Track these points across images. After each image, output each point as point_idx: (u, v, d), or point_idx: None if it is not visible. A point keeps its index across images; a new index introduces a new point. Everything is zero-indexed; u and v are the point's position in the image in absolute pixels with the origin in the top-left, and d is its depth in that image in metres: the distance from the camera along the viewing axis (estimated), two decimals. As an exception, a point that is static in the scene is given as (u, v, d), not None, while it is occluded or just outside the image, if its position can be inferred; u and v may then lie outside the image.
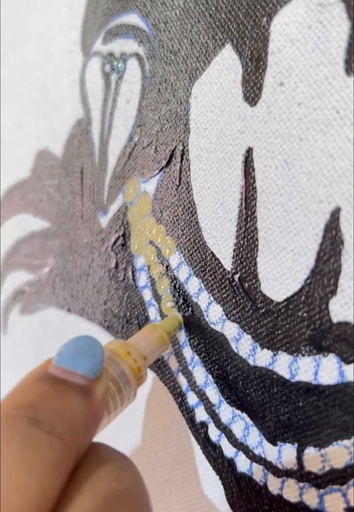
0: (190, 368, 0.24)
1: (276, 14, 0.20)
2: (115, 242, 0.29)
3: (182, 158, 0.24)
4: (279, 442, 0.20)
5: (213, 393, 0.23)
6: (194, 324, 0.24)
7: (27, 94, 0.38)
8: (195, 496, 0.24)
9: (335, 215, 0.18)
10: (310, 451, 0.19)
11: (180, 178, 0.24)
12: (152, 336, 0.23)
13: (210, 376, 0.23)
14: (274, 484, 0.20)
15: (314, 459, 0.19)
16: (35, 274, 0.36)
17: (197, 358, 0.24)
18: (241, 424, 0.22)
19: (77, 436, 0.16)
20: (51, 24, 0.35)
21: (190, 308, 0.24)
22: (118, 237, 0.28)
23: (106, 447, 0.17)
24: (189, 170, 0.24)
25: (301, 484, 0.19)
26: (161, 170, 0.25)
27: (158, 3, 0.26)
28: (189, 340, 0.24)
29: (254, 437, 0.21)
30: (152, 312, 0.26)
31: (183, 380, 0.25)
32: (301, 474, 0.19)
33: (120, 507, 0.15)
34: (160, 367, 0.26)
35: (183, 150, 0.24)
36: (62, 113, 0.34)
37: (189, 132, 0.24)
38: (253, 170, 0.21)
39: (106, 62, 0.29)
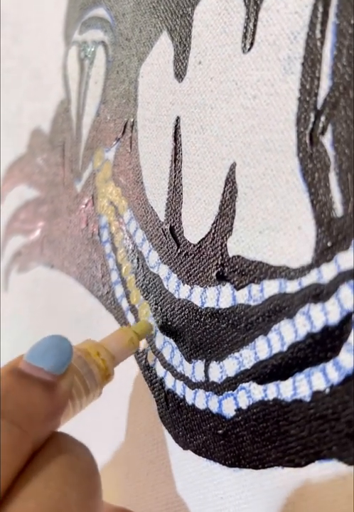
0: (137, 306, 0.29)
1: (198, 4, 0.24)
2: (86, 204, 0.33)
3: (132, 129, 0.28)
4: (193, 360, 0.24)
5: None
6: (140, 273, 0.28)
7: (26, 80, 0.43)
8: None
9: (232, 169, 0.22)
10: (213, 365, 0.23)
11: (130, 146, 0.29)
12: (123, 339, 0.24)
13: (150, 312, 0.27)
14: (189, 396, 0.24)
15: (215, 371, 0.23)
16: (28, 237, 0.41)
17: (141, 297, 0.28)
18: (169, 348, 0.26)
19: (36, 425, 0.18)
20: (44, 19, 0.40)
21: (136, 256, 0.28)
22: (88, 201, 0.33)
23: (67, 436, 0.19)
24: (137, 138, 0.28)
25: (207, 393, 0.23)
26: (118, 140, 0.30)
27: (118, -2, 0.30)
28: (137, 282, 0.28)
29: (177, 358, 0.25)
30: (111, 263, 0.31)
31: (131, 318, 0.29)
32: (207, 385, 0.23)
33: (70, 490, 0.17)
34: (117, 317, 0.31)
35: (133, 122, 0.28)
36: (51, 95, 0.38)
37: (137, 106, 0.28)
38: (180, 135, 0.25)
39: (81, 50, 0.34)
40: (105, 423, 0.31)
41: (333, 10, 0.18)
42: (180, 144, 0.25)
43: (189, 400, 0.24)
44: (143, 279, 0.28)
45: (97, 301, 0.32)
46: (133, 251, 0.28)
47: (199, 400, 0.24)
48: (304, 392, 0.19)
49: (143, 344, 0.28)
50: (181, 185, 0.25)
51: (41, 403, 0.18)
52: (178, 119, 0.25)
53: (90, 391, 0.22)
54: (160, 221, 0.26)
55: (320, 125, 0.18)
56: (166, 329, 0.26)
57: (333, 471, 0.18)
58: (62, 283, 0.36)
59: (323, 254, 0.18)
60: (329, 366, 0.18)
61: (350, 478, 0.17)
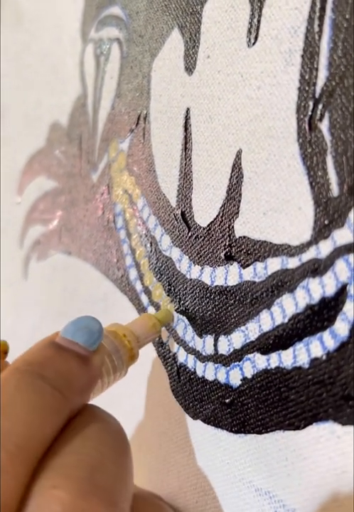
0: (150, 287, 0.30)
1: (206, 2, 0.26)
2: (102, 194, 0.35)
3: (145, 121, 0.30)
4: (203, 335, 0.26)
5: (166, 303, 0.29)
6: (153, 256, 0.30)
7: (45, 75, 0.45)
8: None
9: (238, 156, 0.24)
10: (222, 338, 0.25)
11: (143, 137, 0.30)
12: (147, 324, 0.26)
13: (163, 292, 0.29)
14: (199, 368, 0.26)
15: (223, 344, 0.25)
16: (47, 227, 0.43)
17: (154, 279, 0.30)
18: (182, 325, 0.28)
19: (74, 393, 0.19)
20: (61, 16, 0.42)
21: (149, 241, 0.30)
22: (104, 190, 0.35)
23: (98, 407, 0.20)
24: (150, 129, 0.30)
25: (216, 365, 0.25)
26: (131, 131, 0.31)
27: (132, -4, 0.32)
28: (150, 265, 0.30)
29: (189, 334, 0.27)
30: (125, 248, 0.32)
31: (145, 299, 0.31)
32: (216, 357, 0.25)
33: (105, 449, 0.18)
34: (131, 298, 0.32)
35: (146, 114, 0.30)
36: (68, 90, 0.40)
37: (150, 99, 0.30)
38: (190, 125, 0.27)
39: (97, 47, 0.36)
40: (119, 398, 0.33)
41: (329, 5, 0.20)
42: (190, 134, 0.27)
43: (199, 373, 0.26)
44: (156, 262, 0.29)
45: (111, 284, 0.34)
46: (146, 236, 0.30)
47: (208, 372, 0.25)
48: (303, 360, 0.20)
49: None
50: (191, 172, 0.27)
51: (78, 373, 0.20)
52: (188, 110, 0.27)
53: (117, 370, 0.23)
54: (172, 207, 0.28)
55: (318, 112, 0.20)
56: (180, 308, 0.28)
57: (328, 432, 0.19)
58: (79, 269, 0.38)
59: (321, 231, 0.20)
60: (326, 335, 0.19)
61: (344, 436, 0.19)
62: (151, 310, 0.30)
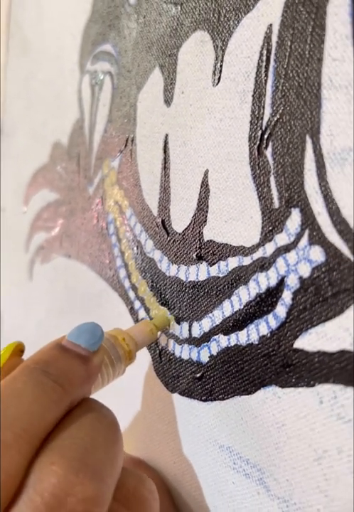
0: (136, 284, 0.35)
1: (181, 47, 0.31)
2: (97, 204, 0.39)
3: (132, 143, 0.35)
4: (180, 322, 0.30)
5: (150, 297, 0.33)
6: (138, 258, 0.34)
7: (48, 99, 0.49)
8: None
9: (206, 175, 0.28)
10: (194, 324, 0.29)
11: (131, 157, 0.35)
12: (144, 329, 0.29)
13: (147, 288, 0.34)
14: (177, 350, 0.31)
15: (196, 329, 0.29)
16: (50, 233, 0.47)
17: (140, 277, 0.34)
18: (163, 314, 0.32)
19: (74, 387, 0.21)
20: (62, 49, 0.46)
21: (135, 244, 0.35)
22: (98, 201, 0.39)
23: (95, 400, 0.22)
24: (136, 151, 0.34)
25: (190, 346, 0.30)
26: (121, 152, 0.36)
27: (122, 38, 0.37)
28: (136, 265, 0.35)
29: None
30: (116, 251, 0.37)
31: (132, 294, 0.35)
32: (190, 340, 0.30)
33: (98, 436, 0.20)
34: (121, 295, 0.37)
35: (132, 137, 0.35)
36: (68, 114, 0.45)
37: (136, 125, 0.34)
38: (168, 149, 0.31)
39: (92, 77, 0.40)
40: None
41: (272, 56, 0.24)
42: (168, 156, 0.31)
43: (177, 353, 0.31)
44: (142, 263, 0.34)
45: (105, 283, 0.38)
46: (133, 240, 0.35)
47: (184, 352, 0.30)
48: (254, 338, 0.25)
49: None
50: (169, 187, 0.31)
51: (78, 370, 0.22)
52: (166, 136, 0.32)
53: (116, 368, 0.26)
54: (154, 216, 0.33)
55: (264, 141, 0.25)
56: (161, 301, 0.32)
57: (272, 394, 0.24)
58: (77, 270, 0.42)
59: (267, 236, 0.24)
60: (270, 317, 0.24)
61: (283, 397, 0.23)
62: (137, 304, 0.34)
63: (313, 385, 0.22)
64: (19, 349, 0.26)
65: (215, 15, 0.28)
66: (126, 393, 0.37)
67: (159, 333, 0.31)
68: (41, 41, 0.51)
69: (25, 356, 0.25)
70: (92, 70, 0.41)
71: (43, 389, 0.20)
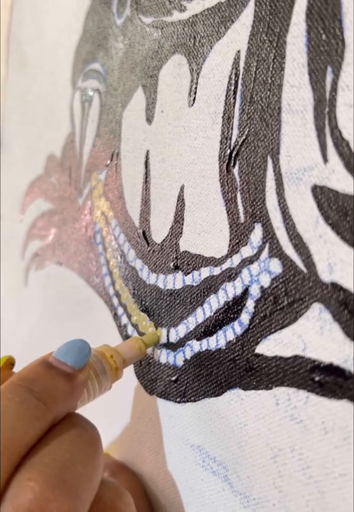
0: (120, 292, 0.36)
1: (161, 69, 0.32)
2: (85, 215, 0.41)
3: (117, 158, 0.36)
4: (159, 327, 0.32)
5: (132, 304, 0.35)
6: (122, 267, 0.36)
7: (43, 113, 0.51)
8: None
9: (182, 189, 0.30)
10: (172, 330, 0.31)
11: (116, 170, 0.37)
12: (133, 347, 0.29)
13: (130, 295, 0.35)
14: (156, 354, 0.32)
15: (173, 334, 0.30)
16: (44, 242, 0.49)
17: (123, 284, 0.36)
18: (143, 321, 0.34)
19: (57, 404, 0.22)
20: (57, 66, 0.48)
21: (119, 253, 0.36)
22: (87, 212, 0.41)
23: (79, 416, 0.23)
24: (120, 165, 0.36)
25: (167, 351, 0.31)
26: (107, 166, 0.38)
27: (109, 57, 0.38)
28: (120, 273, 0.36)
29: (150, 328, 0.33)
30: (102, 259, 0.38)
31: (115, 301, 0.37)
32: (167, 345, 0.31)
33: (77, 451, 0.21)
34: (106, 301, 0.38)
35: (118, 152, 0.36)
36: (61, 128, 0.46)
37: (121, 141, 0.36)
38: (149, 164, 0.33)
39: (83, 94, 0.42)
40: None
41: (240, 81, 0.26)
42: (149, 171, 0.33)
43: (156, 358, 0.32)
44: (125, 271, 0.36)
45: (92, 289, 0.40)
46: (117, 249, 0.36)
47: (162, 356, 0.31)
48: (222, 343, 0.26)
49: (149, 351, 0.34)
50: (150, 200, 0.33)
51: (63, 388, 0.23)
52: (148, 152, 0.33)
53: (103, 384, 0.27)
54: (136, 227, 0.34)
55: (232, 160, 0.26)
56: (142, 307, 0.34)
57: (236, 396, 0.25)
58: (67, 277, 0.44)
59: (234, 248, 0.26)
60: (236, 324, 0.25)
61: (246, 399, 0.25)
62: (120, 310, 0.36)
63: (270, 388, 0.23)
64: (10, 363, 0.27)
65: (191, 40, 0.29)
66: (110, 395, 0.38)
67: (148, 349, 0.32)
68: (38, 57, 0.53)
69: (18, 366, 0.26)
70: (83, 87, 0.42)
71: (26, 406, 0.21)
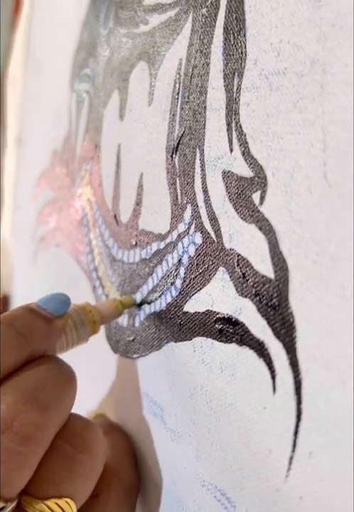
0: (97, 267, 0.41)
1: (131, 73, 0.37)
2: (77, 201, 0.46)
3: (99, 150, 0.41)
4: (123, 295, 0.36)
5: (105, 277, 0.40)
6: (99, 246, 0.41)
7: (51, 114, 0.57)
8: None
9: (141, 177, 0.34)
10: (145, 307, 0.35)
11: (98, 162, 0.41)
12: (111, 305, 0.32)
13: (105, 270, 0.40)
14: (121, 318, 0.37)
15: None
16: (48, 226, 0.54)
17: (100, 260, 0.41)
18: (113, 289, 0.38)
19: (35, 340, 0.24)
20: (62, 71, 0.53)
21: (99, 234, 0.41)
22: (78, 199, 0.46)
23: (57, 356, 0.25)
24: (101, 157, 0.41)
25: (128, 314, 0.36)
26: (92, 158, 0.43)
27: (97, 64, 0.43)
28: (98, 251, 0.41)
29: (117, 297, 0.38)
30: (86, 240, 0.43)
31: (94, 275, 0.41)
32: (128, 311, 0.36)
33: (50, 379, 0.23)
34: (88, 276, 0.43)
35: (99, 146, 0.41)
36: (63, 126, 0.52)
37: (101, 136, 0.41)
38: (120, 155, 0.38)
39: (78, 96, 0.47)
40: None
41: (181, 84, 0.30)
42: (120, 161, 0.38)
43: (119, 321, 0.37)
44: (101, 248, 0.40)
45: (79, 267, 0.45)
46: (98, 230, 0.41)
47: (124, 320, 0.36)
48: (163, 305, 0.31)
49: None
50: (120, 187, 0.37)
51: (41, 327, 0.25)
52: (119, 145, 0.38)
53: (80, 335, 0.29)
54: (109, 210, 0.39)
55: (174, 151, 0.30)
56: (115, 283, 0.38)
57: (170, 348, 0.29)
58: (63, 257, 0.49)
59: (173, 225, 0.30)
60: (172, 288, 0.30)
61: (176, 349, 0.29)
62: (97, 283, 0.41)
63: (191, 339, 0.27)
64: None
65: (151, 49, 0.34)
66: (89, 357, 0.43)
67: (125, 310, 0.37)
68: (47, 63, 0.58)
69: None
70: (78, 90, 0.47)
71: (6, 337, 0.23)
